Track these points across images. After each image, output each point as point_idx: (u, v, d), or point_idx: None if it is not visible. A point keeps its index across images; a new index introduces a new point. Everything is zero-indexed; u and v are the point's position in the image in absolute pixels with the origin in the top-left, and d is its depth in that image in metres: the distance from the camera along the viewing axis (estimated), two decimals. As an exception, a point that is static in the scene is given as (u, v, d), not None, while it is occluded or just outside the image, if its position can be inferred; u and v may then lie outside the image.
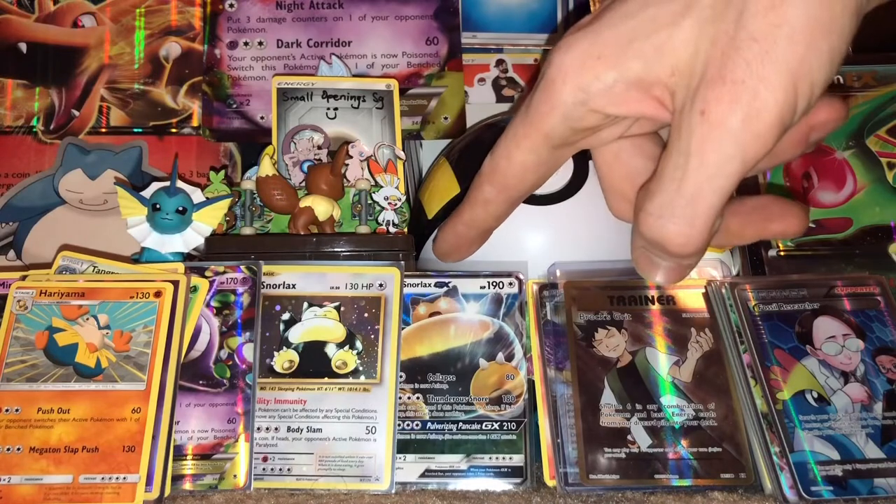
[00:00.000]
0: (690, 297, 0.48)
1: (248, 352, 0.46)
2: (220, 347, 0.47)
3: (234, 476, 0.43)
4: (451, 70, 0.68)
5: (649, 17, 0.26)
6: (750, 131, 0.24)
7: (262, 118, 0.66)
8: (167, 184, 0.52)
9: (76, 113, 0.65)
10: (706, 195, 0.25)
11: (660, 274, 0.30)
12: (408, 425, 0.45)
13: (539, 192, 0.52)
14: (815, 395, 0.44)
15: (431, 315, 0.48)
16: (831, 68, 0.24)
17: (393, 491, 0.43)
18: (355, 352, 0.47)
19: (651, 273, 0.30)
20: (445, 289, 0.49)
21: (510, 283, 0.49)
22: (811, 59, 0.24)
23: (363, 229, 0.56)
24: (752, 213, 0.32)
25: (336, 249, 0.52)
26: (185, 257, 0.52)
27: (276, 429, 0.45)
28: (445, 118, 0.67)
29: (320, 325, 0.48)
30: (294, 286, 0.49)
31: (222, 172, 0.56)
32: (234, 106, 0.66)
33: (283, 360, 0.47)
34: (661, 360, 0.46)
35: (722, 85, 0.24)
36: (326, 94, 0.61)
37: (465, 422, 0.45)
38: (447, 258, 0.40)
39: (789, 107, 0.24)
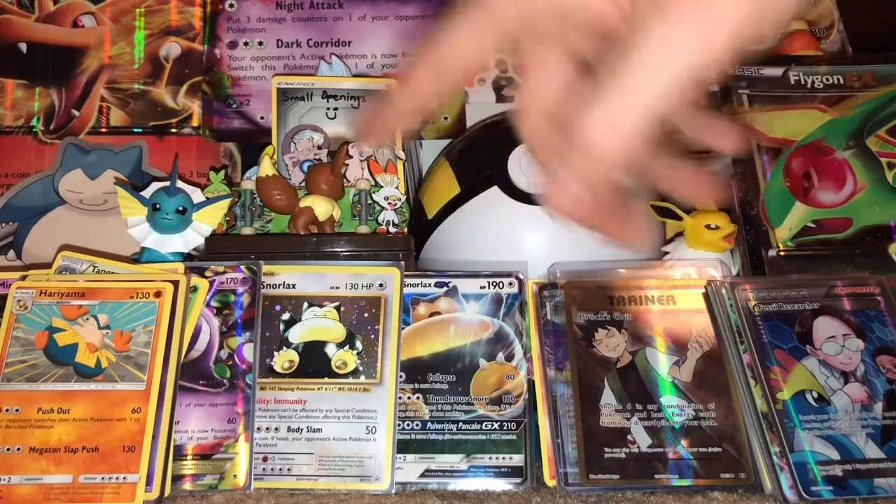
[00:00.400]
0: (690, 297, 0.48)
1: (248, 352, 0.46)
2: (220, 347, 0.47)
3: (234, 476, 0.43)
4: (451, 70, 0.68)
5: None
6: (703, 34, 0.24)
7: (262, 118, 0.66)
8: (167, 184, 0.52)
9: (76, 113, 0.65)
10: (647, 95, 0.25)
11: (569, 200, 0.28)
12: (408, 425, 0.45)
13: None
14: (815, 395, 0.44)
15: (431, 315, 0.48)
16: None
17: (393, 491, 0.43)
18: (355, 352, 0.47)
19: (558, 201, 0.28)
20: (445, 289, 0.49)
21: (510, 283, 0.49)
22: None
23: (363, 229, 0.56)
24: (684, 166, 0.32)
25: (336, 249, 0.52)
26: (185, 257, 0.52)
27: (276, 429, 0.45)
28: (445, 118, 0.67)
29: (320, 325, 0.48)
30: (294, 286, 0.49)
31: (222, 172, 0.56)
32: (234, 106, 0.66)
33: (283, 360, 0.47)
34: (661, 360, 0.46)
35: None
36: (326, 94, 0.61)
37: (465, 422, 0.45)
38: (363, 138, 0.39)
39: (747, 19, 0.24)
